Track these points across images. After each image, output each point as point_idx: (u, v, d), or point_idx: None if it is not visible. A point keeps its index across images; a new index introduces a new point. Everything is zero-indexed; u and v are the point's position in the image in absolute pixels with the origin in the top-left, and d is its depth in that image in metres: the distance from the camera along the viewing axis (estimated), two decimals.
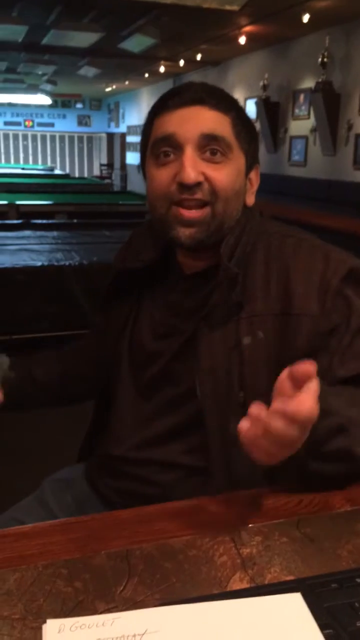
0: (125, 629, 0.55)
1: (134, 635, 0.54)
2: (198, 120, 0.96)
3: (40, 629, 0.58)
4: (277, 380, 0.72)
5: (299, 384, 0.68)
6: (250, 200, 1.04)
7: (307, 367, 0.68)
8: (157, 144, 0.98)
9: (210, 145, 0.95)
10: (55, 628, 0.55)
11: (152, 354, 1.07)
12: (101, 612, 0.60)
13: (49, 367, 1.26)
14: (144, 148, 1.04)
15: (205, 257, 1.02)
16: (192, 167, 0.94)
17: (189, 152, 0.95)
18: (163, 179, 0.97)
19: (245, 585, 0.65)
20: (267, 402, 0.93)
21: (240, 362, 0.95)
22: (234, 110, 0.99)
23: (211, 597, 0.61)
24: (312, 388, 0.68)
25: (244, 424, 0.72)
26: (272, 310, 0.95)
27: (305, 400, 0.67)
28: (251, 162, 1.03)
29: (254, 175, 1.05)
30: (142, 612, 0.58)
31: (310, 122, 7.17)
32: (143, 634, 0.54)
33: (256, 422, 0.71)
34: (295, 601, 0.59)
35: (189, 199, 0.95)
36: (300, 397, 0.67)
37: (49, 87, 12.37)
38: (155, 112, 1.00)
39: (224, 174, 0.96)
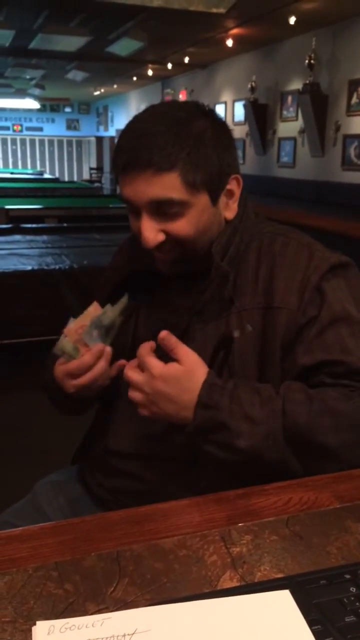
0: (115, 629, 0.55)
1: (124, 635, 0.54)
2: (144, 187, 0.94)
3: (30, 631, 0.58)
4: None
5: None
6: (231, 213, 1.03)
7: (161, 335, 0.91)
8: (123, 201, 1.01)
9: (162, 207, 0.95)
10: (44, 630, 0.55)
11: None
12: (92, 613, 0.61)
13: None
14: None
15: (199, 260, 1.03)
16: (149, 231, 0.96)
17: (145, 217, 0.97)
18: (136, 229, 1.00)
19: (235, 583, 0.66)
20: None
21: (229, 354, 0.99)
22: (183, 155, 0.93)
23: (201, 596, 0.61)
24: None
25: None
26: (258, 304, 0.99)
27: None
28: (219, 183, 0.99)
29: (234, 185, 1.02)
30: (132, 612, 0.58)
31: (299, 123, 7.20)
32: (133, 634, 0.54)
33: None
34: (283, 598, 0.59)
35: (156, 254, 1.00)
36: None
37: (37, 91, 12.35)
38: (114, 164, 1.00)
39: (184, 225, 0.97)
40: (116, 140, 1.02)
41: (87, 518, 0.80)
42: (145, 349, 0.93)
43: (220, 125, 1.01)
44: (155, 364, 0.91)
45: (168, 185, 0.93)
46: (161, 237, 0.97)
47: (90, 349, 1.00)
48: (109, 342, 1.03)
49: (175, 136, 0.93)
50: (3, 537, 0.76)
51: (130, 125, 0.98)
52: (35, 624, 0.59)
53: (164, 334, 0.91)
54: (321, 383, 0.94)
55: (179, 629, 0.56)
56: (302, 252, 1.00)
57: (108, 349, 1.01)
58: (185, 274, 1.07)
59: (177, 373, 0.90)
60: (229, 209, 1.03)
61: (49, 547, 0.73)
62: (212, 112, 1.02)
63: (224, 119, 1.05)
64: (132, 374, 0.93)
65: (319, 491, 0.84)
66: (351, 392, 0.92)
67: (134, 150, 0.94)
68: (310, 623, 0.57)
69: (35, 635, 0.56)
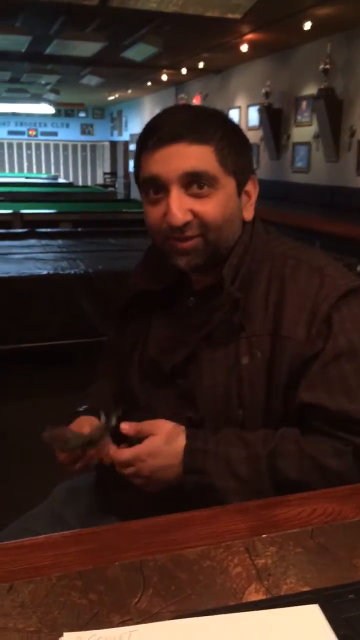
0: None
1: None
2: (179, 159, 0.94)
3: None
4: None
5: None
6: (249, 214, 1.03)
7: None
8: (145, 183, 0.99)
9: (194, 181, 0.95)
10: None
11: (157, 368, 1.08)
12: (117, 625, 0.60)
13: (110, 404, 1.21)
14: (136, 178, 1.04)
15: (213, 272, 1.03)
16: (178, 209, 0.95)
17: (174, 193, 0.95)
18: (155, 217, 0.99)
19: (261, 596, 0.65)
20: (266, 420, 0.96)
21: (238, 380, 0.98)
22: (217, 134, 0.96)
23: (228, 609, 0.60)
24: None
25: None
26: (268, 331, 0.97)
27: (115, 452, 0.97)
28: (244, 177, 1.01)
29: (251, 187, 1.03)
30: (159, 624, 0.57)
31: (313, 128, 7.18)
32: None
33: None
34: (313, 613, 0.58)
35: (180, 236, 0.98)
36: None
37: (52, 96, 12.44)
38: (140, 149, 1.00)
39: (213, 206, 0.96)
40: (131, 146, 1.03)
41: (110, 527, 0.79)
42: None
43: (241, 130, 1.04)
44: (134, 449, 0.95)
45: (203, 158, 0.94)
46: (189, 216, 0.95)
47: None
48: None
49: (209, 117, 0.97)
50: (26, 545, 0.75)
51: (158, 114, 1.00)
52: (60, 635, 0.58)
53: (123, 426, 0.97)
54: (318, 430, 0.94)
55: None
56: (312, 278, 0.98)
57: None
58: (196, 291, 1.07)
59: (157, 443, 0.95)
60: (247, 210, 1.03)
61: (72, 556, 0.72)
62: (230, 118, 1.05)
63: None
64: (120, 453, 0.96)
65: (344, 502, 0.83)
66: (345, 447, 0.92)
67: (168, 124, 0.95)
68: (341, 638, 0.56)
69: None
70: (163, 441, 0.95)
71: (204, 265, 1.01)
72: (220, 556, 0.71)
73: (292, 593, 0.65)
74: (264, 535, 0.75)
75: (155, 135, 0.95)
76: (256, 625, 0.57)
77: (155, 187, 0.97)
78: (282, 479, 0.92)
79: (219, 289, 0.99)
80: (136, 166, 1.02)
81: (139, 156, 1.00)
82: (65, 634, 0.57)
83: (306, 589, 0.66)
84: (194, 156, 0.94)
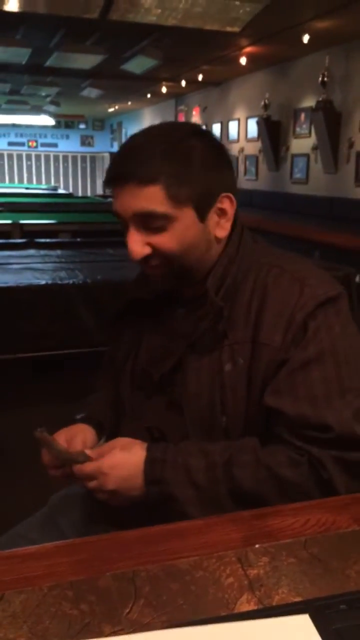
0: None
1: None
2: (129, 199, 0.96)
3: None
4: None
5: None
6: (223, 231, 1.03)
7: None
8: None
9: (146, 220, 0.97)
10: None
11: (148, 377, 1.10)
12: (108, 635, 0.60)
13: (107, 413, 1.24)
14: None
15: (200, 283, 1.04)
16: (135, 244, 0.98)
17: (131, 230, 0.99)
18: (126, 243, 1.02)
19: (252, 606, 0.65)
20: (248, 427, 0.99)
21: (221, 387, 0.99)
22: (166, 172, 0.95)
23: (219, 619, 0.60)
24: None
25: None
26: (248, 338, 0.99)
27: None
28: (208, 200, 0.99)
29: (226, 204, 1.02)
30: (150, 634, 0.57)
31: (312, 140, 7.22)
32: None
33: None
34: (303, 623, 0.58)
35: (145, 266, 1.02)
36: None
37: (52, 108, 12.51)
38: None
39: (169, 239, 0.97)
40: None
41: (103, 537, 0.79)
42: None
43: (215, 147, 1.02)
44: (96, 462, 0.98)
45: (151, 198, 0.95)
46: (147, 250, 0.98)
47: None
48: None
49: (162, 152, 0.96)
50: (18, 555, 0.75)
51: (124, 143, 1.01)
52: None
53: (89, 453, 1.00)
54: (278, 437, 0.95)
55: None
56: (293, 287, 0.99)
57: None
58: (186, 300, 1.08)
59: (115, 453, 0.98)
60: (221, 228, 1.03)
61: (64, 566, 0.72)
62: (208, 134, 1.04)
63: (220, 141, 1.06)
64: (83, 466, 0.99)
65: (337, 513, 0.83)
66: (301, 457, 0.92)
67: (121, 165, 0.97)
68: None
69: None
70: (119, 450, 0.98)
71: (178, 285, 1.05)
72: (213, 566, 0.71)
73: (284, 603, 0.64)
74: (257, 546, 0.75)
75: (108, 174, 0.99)
76: (246, 635, 0.57)
77: (120, 222, 1.01)
78: (237, 487, 0.92)
79: (206, 299, 1.01)
80: None
81: None
82: None
83: (298, 599, 0.66)
84: (142, 197, 0.95)
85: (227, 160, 1.04)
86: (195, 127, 1.04)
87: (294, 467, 0.92)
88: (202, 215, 0.99)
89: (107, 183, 0.99)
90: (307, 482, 0.92)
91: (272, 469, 0.92)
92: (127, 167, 0.96)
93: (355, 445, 0.92)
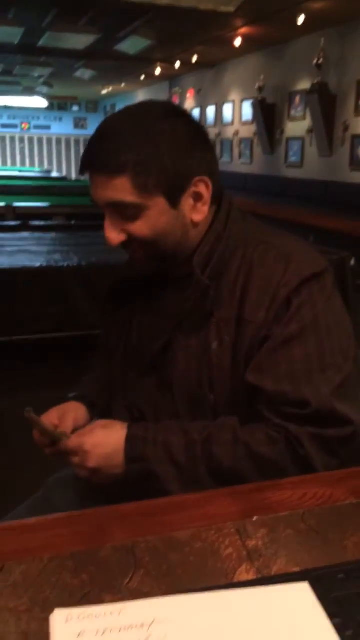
0: (133, 618, 0.55)
1: (142, 625, 0.54)
2: (99, 190, 0.97)
3: (47, 620, 0.58)
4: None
5: None
6: (199, 215, 1.01)
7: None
8: None
9: (117, 209, 0.97)
10: (62, 618, 0.55)
11: (139, 357, 1.11)
12: (108, 603, 0.60)
13: (99, 392, 1.24)
14: None
15: (187, 261, 1.03)
16: (110, 231, 0.99)
17: (107, 217, 1.00)
18: None
19: (251, 576, 0.65)
20: (235, 404, 0.99)
21: (209, 365, 1.00)
22: (132, 161, 0.94)
23: (218, 588, 0.60)
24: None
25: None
26: (234, 315, 0.99)
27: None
28: (180, 186, 0.98)
29: (202, 188, 1.00)
30: (149, 601, 0.58)
31: (307, 123, 7.18)
32: (151, 624, 0.54)
33: None
34: (303, 590, 0.59)
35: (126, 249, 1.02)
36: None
37: (45, 89, 12.37)
38: None
39: (141, 226, 0.98)
40: None
41: (102, 509, 0.80)
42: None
43: (190, 130, 1.00)
44: (78, 439, 1.00)
45: (119, 189, 0.95)
46: (122, 237, 0.99)
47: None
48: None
49: (129, 142, 0.95)
50: (16, 527, 0.76)
51: (97, 128, 1.01)
52: (51, 613, 0.58)
53: (61, 444, 1.03)
54: (259, 414, 0.96)
55: (197, 620, 0.55)
56: (278, 264, 0.98)
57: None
58: (173, 279, 1.08)
59: (96, 431, 1.00)
60: (197, 212, 1.01)
61: (64, 538, 0.72)
62: (184, 115, 1.02)
63: (197, 122, 1.04)
64: (67, 442, 1.02)
65: (335, 486, 0.84)
66: (278, 434, 0.93)
67: (91, 154, 0.98)
68: (330, 616, 0.56)
69: (52, 623, 0.55)
70: (100, 428, 1.00)
71: (162, 267, 1.05)
72: (212, 538, 0.72)
73: (283, 573, 0.65)
74: (255, 518, 0.76)
75: (81, 162, 1.00)
76: (247, 601, 0.58)
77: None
78: (216, 465, 0.93)
79: (193, 278, 1.00)
80: None
81: None
82: (56, 610, 0.57)
83: (296, 569, 0.66)
84: (111, 188, 0.95)
85: (202, 142, 1.01)
86: (170, 108, 1.02)
87: (272, 444, 0.92)
88: (173, 202, 0.98)
89: (81, 172, 1.01)
90: (284, 459, 0.92)
91: (250, 447, 0.93)
92: (96, 157, 0.97)
93: (333, 422, 0.92)
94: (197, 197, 1.01)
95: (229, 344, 0.98)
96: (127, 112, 1.01)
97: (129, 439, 0.97)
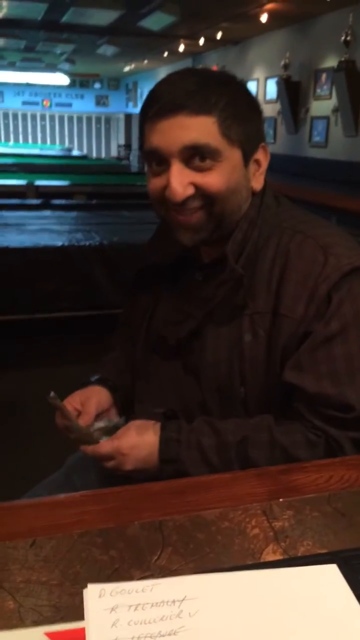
0: (165, 595, 0.56)
1: (174, 602, 0.55)
2: (179, 131, 0.89)
3: (78, 594, 0.59)
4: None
5: None
6: (258, 183, 1.00)
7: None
8: (147, 155, 0.96)
9: (195, 154, 0.91)
10: (96, 593, 0.56)
11: (163, 341, 1.09)
12: (138, 579, 0.61)
13: (121, 375, 1.22)
14: (140, 148, 1.01)
15: (220, 245, 1.00)
16: (179, 184, 0.91)
17: (174, 167, 0.91)
18: (157, 187, 0.96)
19: (278, 557, 0.66)
20: (267, 398, 0.97)
21: (241, 358, 0.97)
22: (220, 103, 0.90)
23: (247, 567, 0.61)
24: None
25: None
26: (269, 308, 0.96)
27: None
28: (252, 146, 0.96)
29: (261, 155, 0.99)
30: (181, 579, 0.58)
31: (332, 102, 7.04)
32: (182, 600, 0.55)
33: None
34: (331, 572, 0.59)
35: (182, 209, 0.94)
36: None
37: (67, 66, 12.30)
38: (142, 118, 0.95)
39: (216, 179, 0.92)
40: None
41: (129, 487, 0.80)
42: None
43: (251, 94, 0.99)
44: (114, 443, 0.99)
45: (205, 130, 0.90)
46: (190, 190, 0.92)
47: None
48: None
49: (213, 84, 0.92)
50: (47, 503, 0.77)
51: (161, 80, 0.96)
52: (82, 588, 0.60)
53: (89, 450, 1.01)
54: (297, 413, 0.94)
55: (228, 598, 0.56)
56: (316, 256, 0.94)
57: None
58: (204, 264, 1.05)
59: (131, 434, 0.98)
60: (256, 180, 1.00)
61: (93, 514, 0.74)
62: (243, 82, 1.00)
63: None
64: (101, 446, 1.00)
65: None
66: (318, 438, 0.91)
67: (169, 94, 0.91)
68: (358, 598, 0.56)
69: (86, 598, 0.57)
70: (134, 431, 0.99)
71: (208, 239, 0.98)
72: (238, 518, 0.73)
73: (310, 554, 0.66)
74: (281, 499, 0.76)
75: (155, 105, 0.91)
76: (276, 582, 0.58)
77: (157, 160, 0.94)
78: (251, 467, 0.91)
79: (225, 264, 0.97)
80: (140, 135, 0.98)
81: (142, 125, 0.96)
82: (89, 585, 0.58)
83: (323, 551, 0.67)
84: (195, 128, 0.89)
85: (261, 110, 1.01)
86: (233, 75, 1.00)
87: (310, 448, 0.91)
88: (246, 159, 0.96)
89: (150, 116, 0.91)
90: None
91: (287, 450, 0.91)
92: (177, 96, 0.89)
93: None
94: (257, 164, 0.99)
95: (263, 338, 0.95)
96: (194, 69, 0.98)
97: (163, 441, 0.97)
